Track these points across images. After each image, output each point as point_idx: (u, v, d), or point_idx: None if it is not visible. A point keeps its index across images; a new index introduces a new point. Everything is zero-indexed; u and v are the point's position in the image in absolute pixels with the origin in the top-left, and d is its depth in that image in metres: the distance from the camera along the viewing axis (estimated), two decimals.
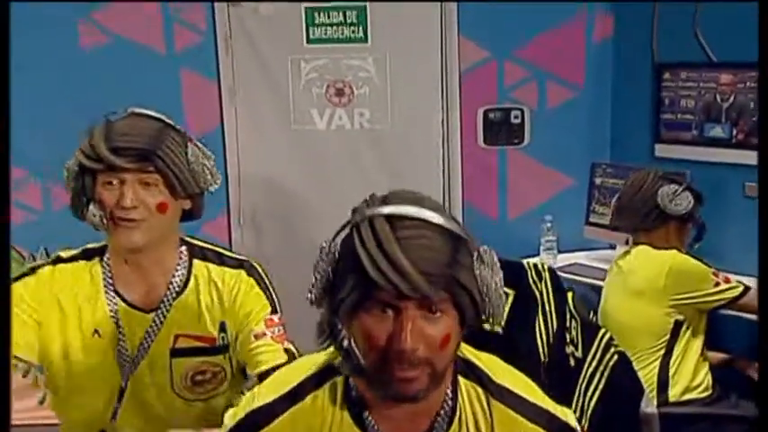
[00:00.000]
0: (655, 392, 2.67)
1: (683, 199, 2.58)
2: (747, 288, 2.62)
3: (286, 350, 1.49)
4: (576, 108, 3.73)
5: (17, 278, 1.51)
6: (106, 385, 1.54)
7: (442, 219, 0.96)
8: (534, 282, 2.81)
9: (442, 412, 1.13)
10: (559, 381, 2.69)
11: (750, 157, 3.16)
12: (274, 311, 1.54)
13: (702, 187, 2.72)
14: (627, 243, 3.04)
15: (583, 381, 2.37)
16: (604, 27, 3.71)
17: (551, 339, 2.55)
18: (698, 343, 2.74)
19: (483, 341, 3.04)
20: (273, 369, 1.38)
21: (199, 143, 1.48)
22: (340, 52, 3.68)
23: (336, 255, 1.01)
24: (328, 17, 3.66)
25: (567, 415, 1.22)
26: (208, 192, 1.51)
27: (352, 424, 1.13)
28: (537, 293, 2.78)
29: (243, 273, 1.56)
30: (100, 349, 1.49)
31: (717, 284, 2.62)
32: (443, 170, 3.69)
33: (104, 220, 1.43)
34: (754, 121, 3.28)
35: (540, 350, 2.79)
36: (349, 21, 3.66)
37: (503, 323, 2.95)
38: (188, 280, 1.51)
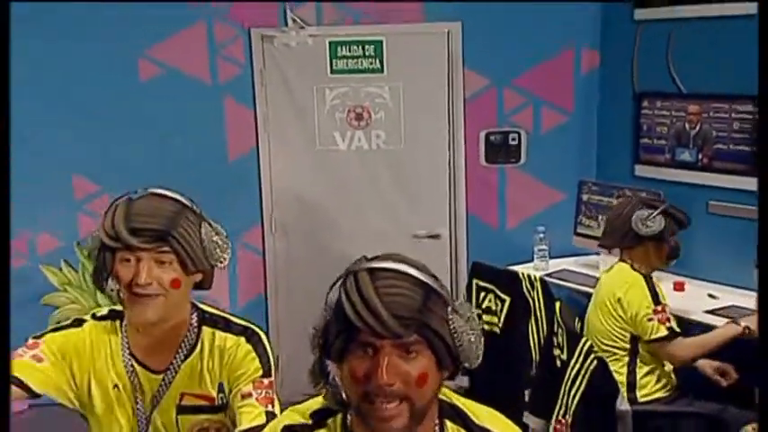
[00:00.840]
0: (625, 391, 2.75)
1: (654, 222, 2.66)
2: (676, 334, 2.67)
3: (268, 413, 1.47)
4: (566, 131, 3.82)
5: (68, 326, 1.55)
6: None
7: (417, 272, 1.01)
8: (528, 290, 2.86)
9: None
10: (548, 379, 2.76)
11: (712, 179, 3.35)
12: (265, 375, 1.52)
13: (673, 204, 2.79)
14: (610, 252, 3.13)
15: (567, 381, 2.62)
16: (591, 60, 3.79)
17: (542, 342, 2.83)
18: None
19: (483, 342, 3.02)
20: (251, 429, 1.41)
21: (212, 222, 1.49)
22: (359, 81, 3.78)
23: (330, 306, 1.06)
24: (349, 50, 3.75)
25: None
26: (219, 263, 1.49)
27: None
28: (530, 301, 2.85)
29: (243, 339, 1.56)
30: (121, 401, 1.51)
31: (650, 319, 2.66)
32: (449, 185, 3.74)
33: (121, 294, 1.44)
34: (716, 148, 3.37)
35: (533, 351, 2.87)
36: (367, 53, 3.75)
37: (501, 326, 2.99)
38: (196, 344, 1.51)
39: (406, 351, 0.98)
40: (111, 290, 1.46)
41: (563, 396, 2.67)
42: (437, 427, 1.13)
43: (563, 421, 2.81)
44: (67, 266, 3.53)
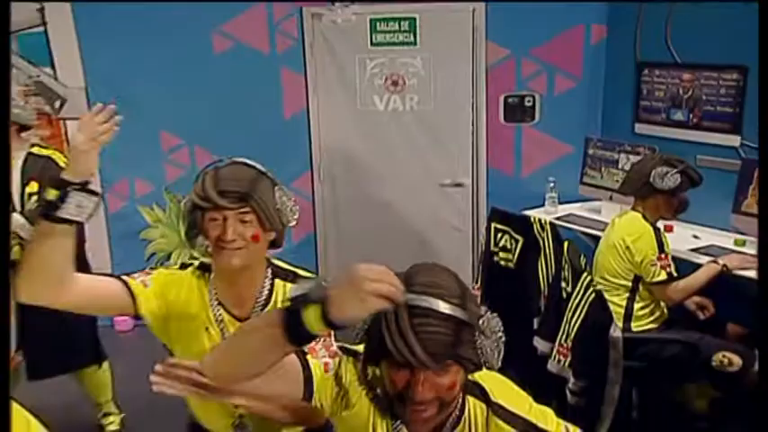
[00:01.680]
0: (621, 321, 2.84)
1: (670, 179, 2.68)
2: (673, 279, 2.75)
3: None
4: (575, 95, 3.86)
5: (181, 267, 1.62)
6: None
7: (450, 308, 1.02)
8: (538, 232, 3.03)
9: (450, 420, 1.19)
10: (554, 308, 2.91)
11: (700, 137, 3.43)
12: None
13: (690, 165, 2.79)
14: (610, 199, 3.29)
15: (569, 310, 2.76)
16: (599, 33, 3.83)
17: (550, 277, 3.00)
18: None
19: (498, 275, 3.18)
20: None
21: (284, 187, 1.54)
22: (395, 53, 3.86)
23: (369, 322, 1.08)
24: (387, 26, 3.81)
25: (547, 421, 1.25)
26: (289, 222, 1.53)
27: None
28: (540, 240, 3.03)
29: None
30: (211, 340, 1.57)
31: (653, 264, 2.73)
32: (472, 141, 3.83)
33: (209, 249, 1.52)
34: (705, 110, 3.42)
35: (541, 284, 3.04)
36: (403, 29, 3.83)
37: (514, 262, 3.14)
38: (270, 295, 1.57)
39: (440, 369, 1.05)
40: (201, 245, 1.54)
41: (565, 324, 2.79)
42: (459, 403, 1.19)
43: (565, 345, 2.88)
44: (158, 207, 3.77)
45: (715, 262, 2.82)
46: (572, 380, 2.83)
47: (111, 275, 1.57)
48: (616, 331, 2.66)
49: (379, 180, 3.89)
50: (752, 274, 2.81)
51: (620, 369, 2.72)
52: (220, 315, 1.55)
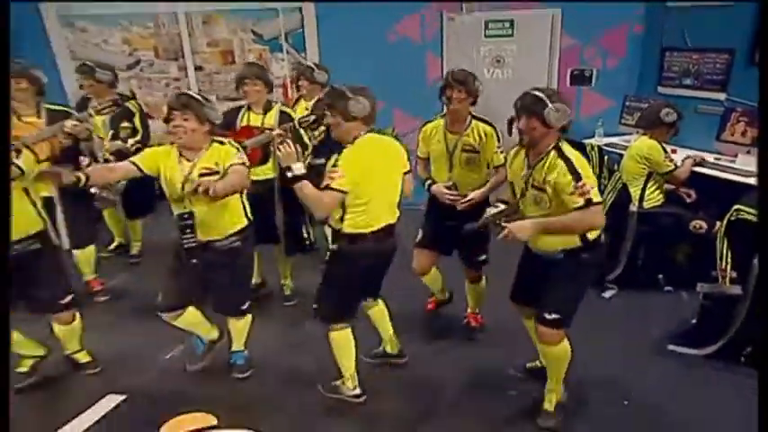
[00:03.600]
0: (637, 202, 3.29)
1: (671, 115, 3.15)
2: (676, 167, 3.17)
3: None
4: (620, 69, 4.43)
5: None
6: None
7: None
8: (590, 152, 3.62)
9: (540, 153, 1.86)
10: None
11: (700, 94, 3.96)
12: None
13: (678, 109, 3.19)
14: (637, 133, 3.55)
15: (605, 194, 3.39)
16: (637, 28, 4.37)
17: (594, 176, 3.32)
18: (660, 183, 3.31)
19: None
20: None
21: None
22: (499, 42, 4.51)
23: None
24: (495, 24, 4.53)
25: (591, 186, 1.71)
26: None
27: None
28: (590, 156, 3.55)
29: None
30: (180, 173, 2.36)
31: (665, 161, 3.17)
32: None
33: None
34: (706, 78, 3.94)
35: None
36: (505, 26, 4.53)
37: None
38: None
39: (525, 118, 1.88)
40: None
41: (604, 204, 2.95)
42: (550, 150, 1.85)
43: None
44: None
45: (692, 158, 3.41)
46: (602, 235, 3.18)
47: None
48: (633, 207, 3.35)
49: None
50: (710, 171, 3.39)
51: (633, 232, 3.38)
52: (180, 160, 2.35)
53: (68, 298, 2.50)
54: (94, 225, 3.45)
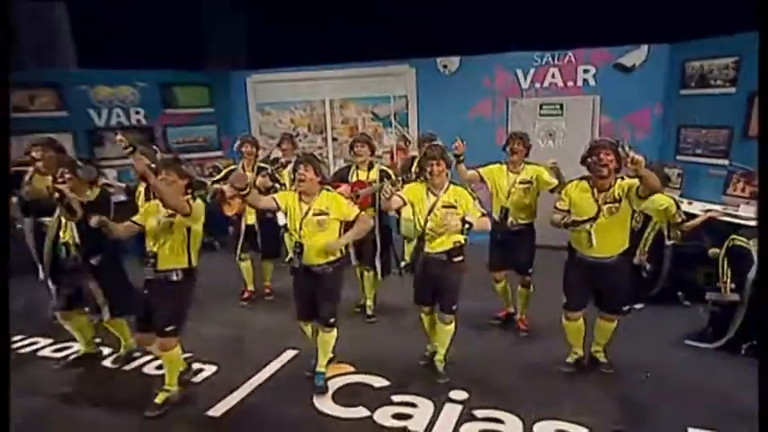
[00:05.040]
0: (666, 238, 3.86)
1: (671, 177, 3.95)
2: (687, 217, 3.69)
3: None
4: (646, 142, 4.95)
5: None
6: None
7: None
8: None
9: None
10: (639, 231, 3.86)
11: (709, 160, 4.53)
12: None
13: None
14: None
15: (647, 232, 3.94)
16: (658, 110, 5.16)
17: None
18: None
19: None
20: None
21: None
22: (551, 119, 5.30)
23: None
24: (548, 107, 5.35)
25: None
26: None
27: None
28: None
29: None
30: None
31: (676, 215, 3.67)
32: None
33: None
34: (713, 149, 4.50)
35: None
36: (555, 108, 5.35)
37: None
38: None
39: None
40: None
41: (643, 240, 3.92)
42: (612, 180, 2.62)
43: (645, 251, 3.99)
44: None
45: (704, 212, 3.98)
46: (646, 265, 3.95)
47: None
48: (666, 242, 3.96)
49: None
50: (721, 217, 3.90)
51: (668, 258, 3.96)
52: (300, 203, 2.76)
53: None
54: (279, 242, 4.38)
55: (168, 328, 2.74)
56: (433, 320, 3.12)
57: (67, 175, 2.83)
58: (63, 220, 2.96)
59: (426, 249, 2.93)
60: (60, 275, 3.12)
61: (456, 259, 2.92)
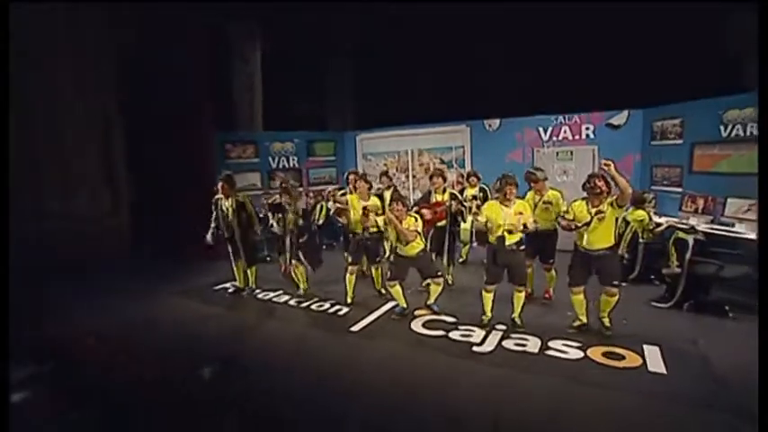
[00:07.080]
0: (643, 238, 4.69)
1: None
2: (657, 226, 4.23)
3: None
4: (632, 179, 5.68)
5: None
6: None
7: None
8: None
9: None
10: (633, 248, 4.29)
11: (671, 188, 5.22)
12: None
13: None
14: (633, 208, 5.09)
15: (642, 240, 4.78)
16: (638, 156, 5.83)
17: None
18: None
19: None
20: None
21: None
22: (566, 161, 6.30)
23: None
24: (562, 153, 6.41)
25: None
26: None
27: None
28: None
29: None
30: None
31: (649, 223, 4.25)
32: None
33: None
34: (672, 180, 5.21)
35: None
36: (567, 154, 6.31)
37: None
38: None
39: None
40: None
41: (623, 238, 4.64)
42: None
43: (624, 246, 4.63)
44: None
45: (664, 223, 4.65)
46: (626, 255, 4.63)
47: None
48: (640, 241, 4.67)
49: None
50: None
51: (641, 252, 4.68)
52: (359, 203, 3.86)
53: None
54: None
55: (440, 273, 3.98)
56: (494, 296, 3.73)
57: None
58: (287, 218, 4.39)
59: (506, 243, 3.56)
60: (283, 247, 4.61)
61: (522, 248, 3.67)
